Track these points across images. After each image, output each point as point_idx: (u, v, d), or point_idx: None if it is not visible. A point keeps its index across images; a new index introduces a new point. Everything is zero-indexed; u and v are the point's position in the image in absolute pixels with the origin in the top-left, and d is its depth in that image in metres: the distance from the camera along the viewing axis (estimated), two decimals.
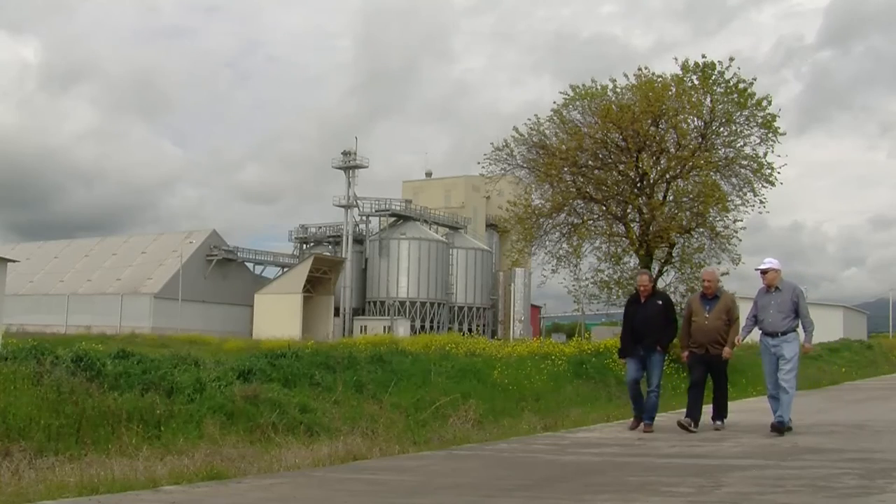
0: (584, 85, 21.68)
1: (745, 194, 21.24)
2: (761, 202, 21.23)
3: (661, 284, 22.00)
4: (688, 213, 21.13)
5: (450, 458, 8.01)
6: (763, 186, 21.12)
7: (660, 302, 10.66)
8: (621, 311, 11.74)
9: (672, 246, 21.20)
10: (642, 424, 10.44)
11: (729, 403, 10.98)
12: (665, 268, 21.63)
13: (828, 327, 52.60)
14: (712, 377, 10.62)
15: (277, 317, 74.41)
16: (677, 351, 11.71)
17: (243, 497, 6.12)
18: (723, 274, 21.03)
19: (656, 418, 10.70)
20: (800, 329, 10.25)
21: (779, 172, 20.93)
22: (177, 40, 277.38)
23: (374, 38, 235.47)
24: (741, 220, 21.40)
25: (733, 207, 21.18)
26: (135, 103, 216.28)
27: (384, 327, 77.10)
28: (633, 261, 21.69)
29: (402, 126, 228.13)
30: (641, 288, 10.84)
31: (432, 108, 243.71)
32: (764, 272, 10.19)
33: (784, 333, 9.98)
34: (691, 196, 21.11)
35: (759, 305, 10.23)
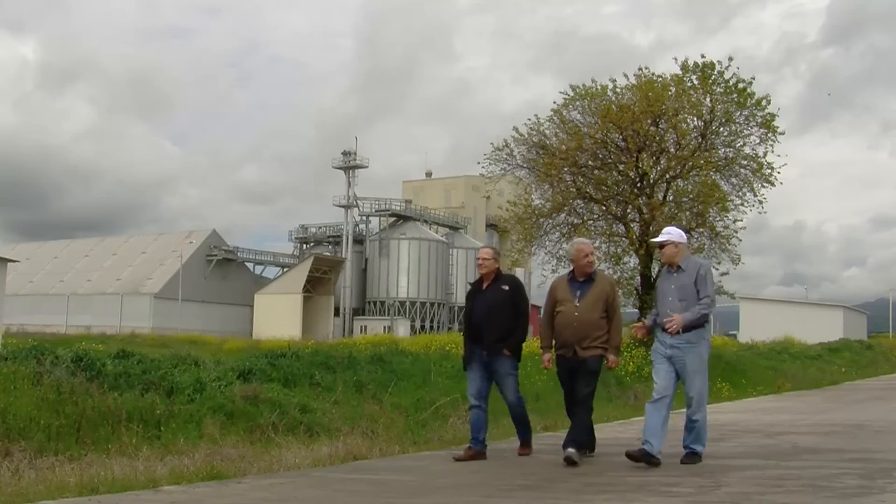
0: (584, 85, 21.73)
1: (745, 194, 21.28)
2: (760, 202, 21.27)
3: None
4: (688, 213, 21.15)
5: (450, 458, 8.00)
6: (763, 186, 21.17)
7: (506, 287, 8.01)
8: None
9: None
10: (519, 447, 8.23)
11: (727, 404, 10.48)
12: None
13: (828, 327, 52.71)
14: (574, 386, 7.88)
15: (277, 317, 74.45)
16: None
17: (243, 497, 6.12)
18: (723, 274, 21.08)
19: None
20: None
21: (778, 172, 20.98)
22: (177, 40, 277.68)
23: (376, 37, 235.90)
24: (741, 220, 21.43)
25: (733, 207, 21.22)
26: (134, 102, 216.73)
27: (384, 327, 77.16)
28: (633, 261, 21.72)
29: (402, 126, 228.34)
30: (480, 264, 8.14)
31: (432, 107, 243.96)
32: (661, 246, 7.76)
33: (685, 330, 7.32)
34: (691, 196, 21.13)
35: (659, 292, 7.79)
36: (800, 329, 43.75)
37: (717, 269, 20.93)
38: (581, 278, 7.83)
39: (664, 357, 7.41)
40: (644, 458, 7.09)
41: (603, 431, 10.68)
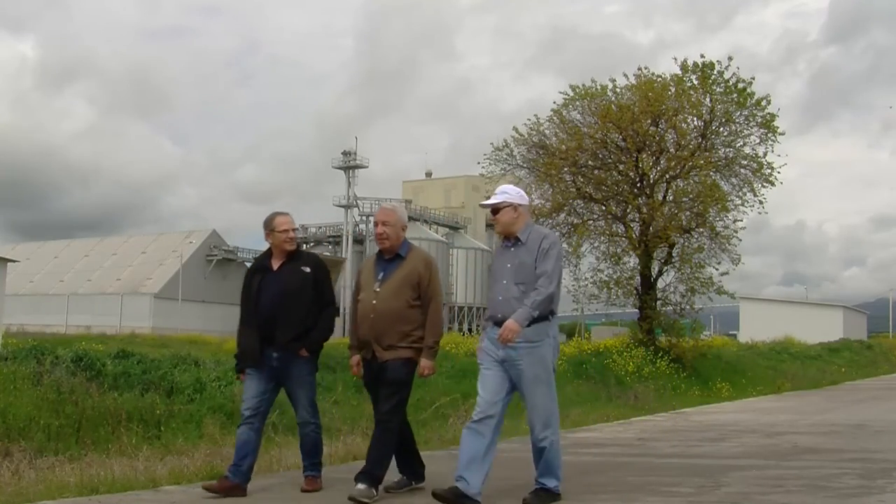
0: (583, 85, 21.73)
1: (745, 194, 21.28)
2: (760, 202, 21.26)
3: (660, 284, 22.12)
4: (688, 213, 21.14)
5: (450, 458, 7.98)
6: (763, 186, 21.17)
7: (307, 269, 6.13)
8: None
9: (672, 246, 21.20)
10: (305, 481, 6.17)
11: (727, 404, 10.48)
12: (665, 268, 21.65)
13: (828, 327, 52.73)
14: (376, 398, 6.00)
15: None
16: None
17: (243, 497, 6.12)
18: (722, 274, 21.06)
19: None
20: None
21: (779, 172, 20.99)
22: (177, 39, 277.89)
23: (376, 36, 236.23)
24: (741, 220, 21.42)
25: (733, 207, 21.21)
26: (133, 102, 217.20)
27: None
28: (632, 261, 21.71)
29: (402, 126, 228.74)
30: (286, 237, 6.06)
31: (432, 107, 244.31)
32: (494, 211, 5.63)
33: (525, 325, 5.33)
34: (691, 196, 21.13)
35: (491, 273, 5.78)
36: (800, 329, 43.75)
37: (716, 269, 20.92)
38: (388, 255, 6.00)
39: (494, 360, 5.45)
40: (456, 500, 5.17)
41: (603, 431, 10.69)
